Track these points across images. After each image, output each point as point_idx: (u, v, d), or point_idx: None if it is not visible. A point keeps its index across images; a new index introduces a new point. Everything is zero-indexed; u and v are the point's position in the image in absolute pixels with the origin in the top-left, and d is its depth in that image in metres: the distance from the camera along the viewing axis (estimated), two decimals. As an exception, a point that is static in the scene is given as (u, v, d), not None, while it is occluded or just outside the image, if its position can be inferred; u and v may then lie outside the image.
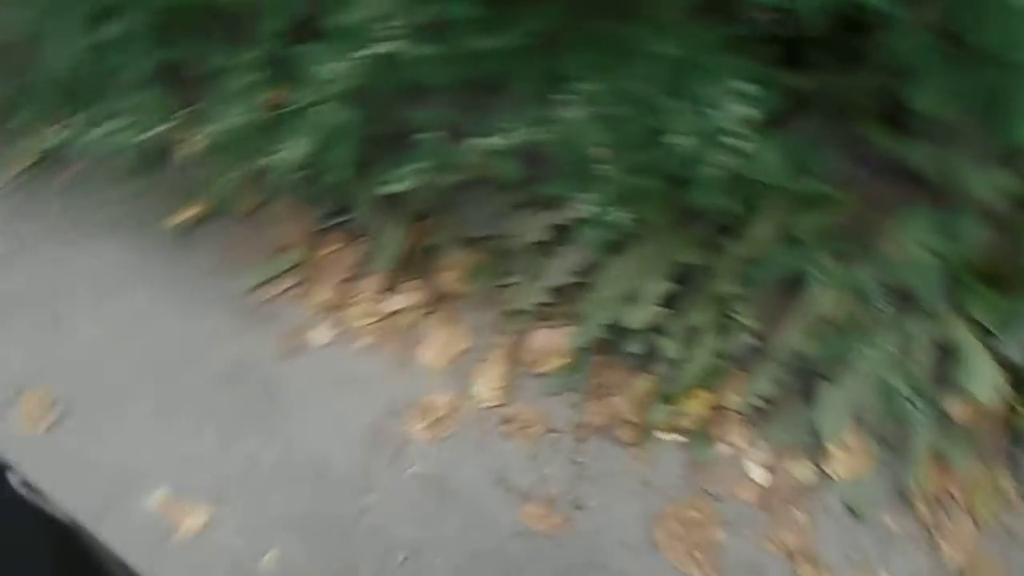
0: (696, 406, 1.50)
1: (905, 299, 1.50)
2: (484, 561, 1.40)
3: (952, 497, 1.50)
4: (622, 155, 1.13)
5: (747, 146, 1.08)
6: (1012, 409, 1.51)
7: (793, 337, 1.49)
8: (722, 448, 1.50)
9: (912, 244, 1.49)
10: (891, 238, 1.50)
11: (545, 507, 1.43)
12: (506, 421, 1.48)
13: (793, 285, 1.50)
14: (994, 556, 1.46)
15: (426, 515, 1.40)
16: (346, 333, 1.51)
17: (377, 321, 1.51)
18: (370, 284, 1.52)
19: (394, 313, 1.51)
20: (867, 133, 1.45)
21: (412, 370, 1.50)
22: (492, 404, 1.48)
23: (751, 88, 1.06)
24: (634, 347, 1.47)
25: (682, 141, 1.08)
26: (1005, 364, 1.46)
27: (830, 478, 1.50)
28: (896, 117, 1.42)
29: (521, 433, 1.48)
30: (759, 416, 1.50)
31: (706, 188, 1.18)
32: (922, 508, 1.48)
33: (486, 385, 1.49)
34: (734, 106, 1.04)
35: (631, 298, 1.45)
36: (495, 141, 1.13)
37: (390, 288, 1.52)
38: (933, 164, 1.47)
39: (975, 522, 1.49)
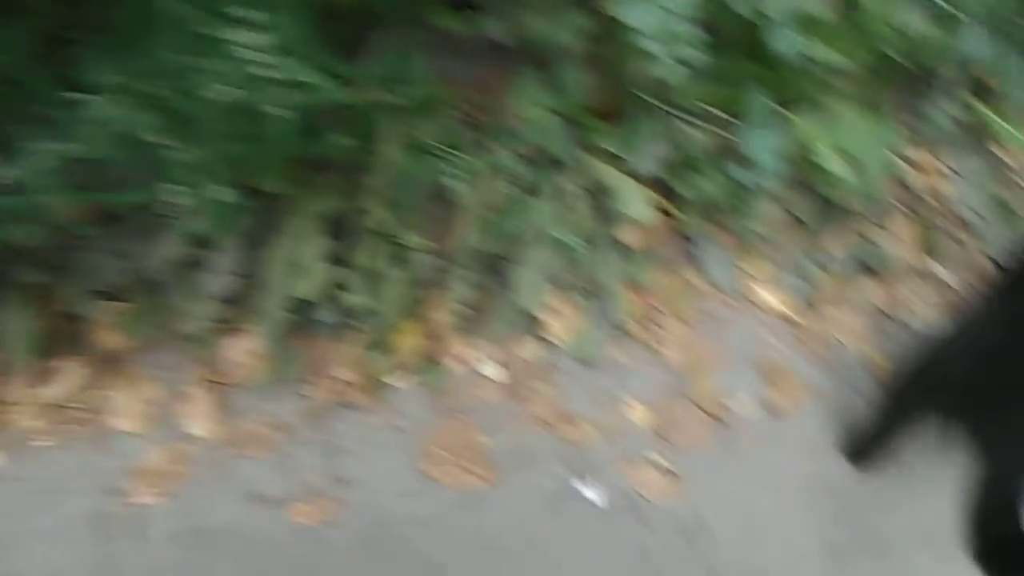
0: (410, 340, 1.51)
1: (546, 161, 1.58)
2: (273, 581, 1.35)
3: (657, 310, 1.64)
4: (182, 134, 1.06)
5: (286, 76, 1.05)
6: (671, 215, 1.67)
7: (466, 238, 1.53)
8: (452, 366, 1.53)
9: (530, 109, 1.57)
10: (511, 111, 1.57)
11: (312, 499, 1.39)
12: (234, 443, 1.40)
13: (445, 190, 1.53)
14: (707, 342, 1.64)
15: (193, 570, 1.31)
16: (16, 445, 1.34)
17: (47, 417, 1.35)
18: (19, 383, 1.35)
19: (62, 400, 1.36)
20: (445, 24, 1.47)
21: (112, 444, 1.37)
22: (212, 435, 1.40)
23: (262, 16, 1.03)
24: (325, 315, 1.44)
25: (223, 95, 1.04)
26: (646, 180, 1.59)
27: (555, 344, 1.58)
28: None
29: (255, 446, 1.41)
30: (471, 322, 1.55)
31: (283, 130, 1.14)
32: (637, 331, 1.62)
33: (197, 420, 1.40)
34: (253, 39, 1.00)
35: (297, 271, 1.41)
36: (15, 173, 1.01)
37: (45, 377, 1.36)
38: (513, 31, 1.53)
39: (683, 322, 1.65)
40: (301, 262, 1.42)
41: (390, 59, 1.47)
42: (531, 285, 1.56)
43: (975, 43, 1.68)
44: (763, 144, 1.53)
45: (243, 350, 1.45)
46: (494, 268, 1.56)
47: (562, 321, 1.60)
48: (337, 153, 1.40)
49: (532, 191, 1.57)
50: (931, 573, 1.49)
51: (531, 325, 1.58)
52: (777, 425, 1.59)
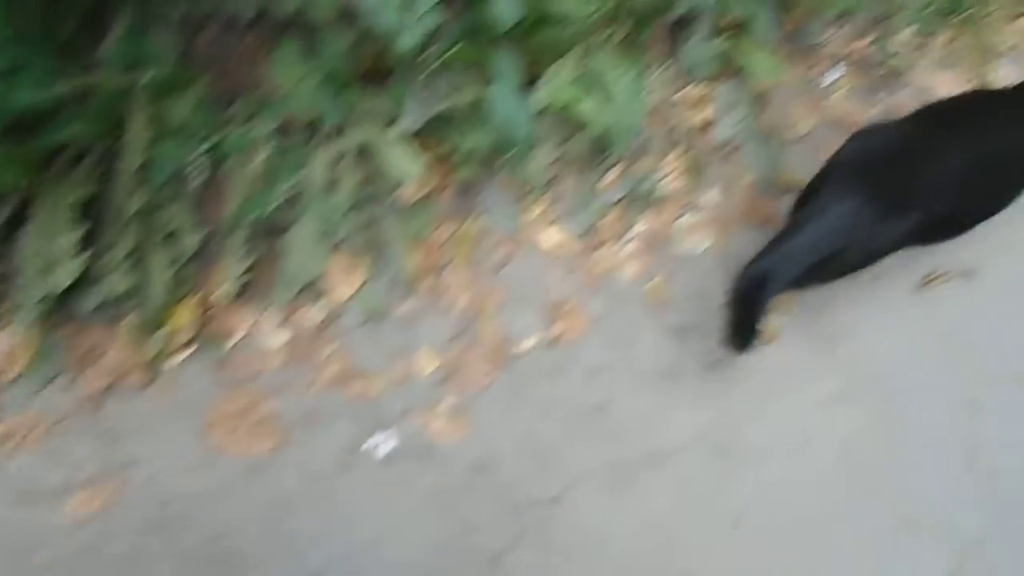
0: (186, 316, 1.51)
1: (313, 126, 1.60)
2: (55, 570, 1.34)
3: (442, 260, 1.70)
4: None
5: None
6: (447, 167, 1.72)
7: (236, 209, 1.54)
8: (234, 336, 1.55)
9: (292, 77, 1.58)
10: (273, 81, 1.57)
11: (92, 487, 1.39)
12: (2, 441, 1.38)
13: (209, 164, 1.52)
14: (492, 285, 1.71)
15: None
16: None
17: None
18: None
19: None
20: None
21: None
22: (-23, 436, 1.37)
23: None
24: (89, 303, 1.43)
25: None
26: (416, 137, 1.63)
27: (340, 304, 1.62)
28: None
29: (27, 442, 1.40)
30: (248, 291, 1.56)
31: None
32: (423, 283, 1.67)
33: (-42, 423, 1.37)
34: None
35: (53, 261, 1.38)
36: None
37: None
38: (256, 4, 1.53)
39: (468, 269, 1.71)
40: (56, 252, 1.39)
41: (129, 41, 1.45)
42: (308, 250, 1.59)
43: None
44: (512, 102, 1.59)
45: (4, 346, 1.41)
46: (270, 236, 1.58)
47: (346, 281, 1.64)
48: (80, 140, 1.37)
49: (300, 157, 1.58)
50: (704, 473, 1.63)
51: (313, 288, 1.60)
52: (560, 357, 1.68)
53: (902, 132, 1.58)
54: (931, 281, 1.84)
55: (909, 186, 1.47)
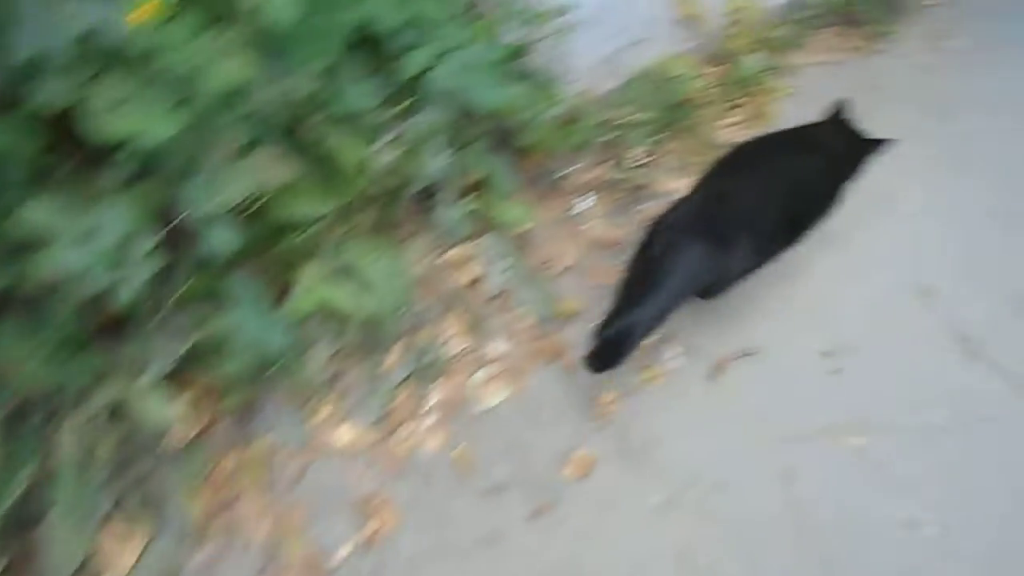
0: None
1: (57, 398, 1.52)
2: None
3: (232, 495, 1.61)
4: None
5: None
6: (215, 397, 1.66)
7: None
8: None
9: (17, 356, 1.51)
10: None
11: None
12: None
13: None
14: (292, 503, 1.63)
15: None
16: None
17: None
18: None
19: None
20: None
21: None
22: None
23: None
24: None
25: None
26: (172, 377, 1.58)
27: (125, 578, 1.48)
28: None
29: None
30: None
31: None
32: (215, 525, 1.57)
33: None
34: None
35: None
36: None
37: None
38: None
39: (262, 494, 1.63)
40: None
41: None
42: (72, 532, 1.48)
43: (441, 158, 1.90)
44: (259, 320, 1.59)
45: None
46: (22, 529, 1.45)
47: (125, 549, 1.52)
48: None
49: (42, 436, 1.50)
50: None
51: (87, 571, 1.47)
52: (378, 556, 1.60)
53: (707, 185, 1.86)
54: (719, 368, 1.91)
55: (733, 222, 1.74)
